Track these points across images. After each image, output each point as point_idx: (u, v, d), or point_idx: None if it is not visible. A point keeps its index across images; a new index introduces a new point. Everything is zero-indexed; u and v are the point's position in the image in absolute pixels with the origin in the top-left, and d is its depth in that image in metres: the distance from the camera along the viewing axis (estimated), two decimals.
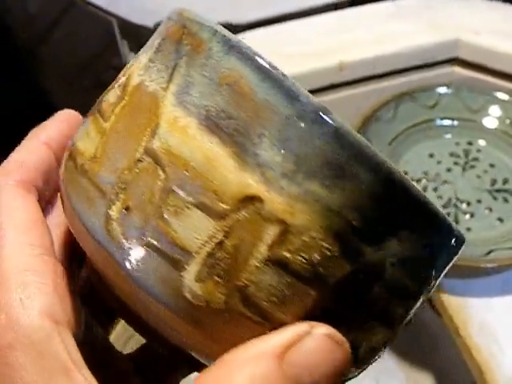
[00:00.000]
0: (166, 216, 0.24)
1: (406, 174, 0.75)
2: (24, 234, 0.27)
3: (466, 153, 0.77)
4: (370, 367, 0.67)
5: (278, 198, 0.24)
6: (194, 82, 0.25)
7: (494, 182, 0.74)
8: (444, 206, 0.72)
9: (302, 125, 0.24)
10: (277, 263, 0.24)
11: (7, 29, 1.54)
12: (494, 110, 0.78)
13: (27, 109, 1.59)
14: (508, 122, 0.78)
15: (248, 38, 0.82)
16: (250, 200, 0.24)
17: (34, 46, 1.54)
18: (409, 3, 0.88)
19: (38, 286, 0.26)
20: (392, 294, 0.26)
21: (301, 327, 0.24)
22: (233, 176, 0.24)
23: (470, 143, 0.78)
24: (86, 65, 1.50)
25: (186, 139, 0.25)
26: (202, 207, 0.24)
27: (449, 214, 0.71)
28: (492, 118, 0.78)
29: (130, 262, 0.25)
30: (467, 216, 0.71)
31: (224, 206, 0.24)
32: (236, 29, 0.83)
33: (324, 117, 0.24)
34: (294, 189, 0.24)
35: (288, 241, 0.24)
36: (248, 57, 0.25)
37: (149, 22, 0.80)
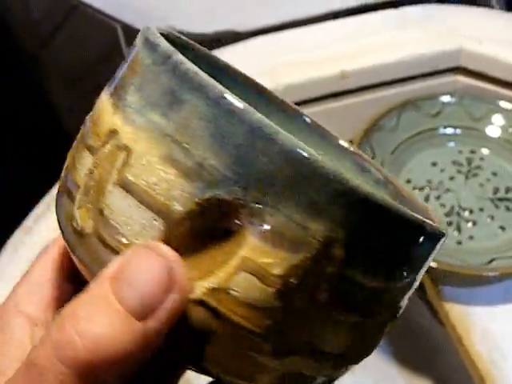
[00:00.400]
0: (76, 162, 0.29)
1: (409, 182, 0.75)
2: None
3: (469, 161, 0.77)
4: (371, 374, 0.67)
5: (128, 129, 0.27)
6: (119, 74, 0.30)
7: (496, 190, 0.75)
8: (447, 214, 0.72)
9: (154, 68, 0.27)
10: (123, 186, 0.26)
11: (10, 33, 1.55)
12: (497, 119, 0.78)
13: (29, 112, 1.60)
14: (511, 130, 0.78)
15: (250, 46, 0.83)
16: (112, 134, 0.27)
17: (37, 50, 1.55)
18: (411, 12, 0.88)
19: None
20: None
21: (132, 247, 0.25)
22: (108, 118, 0.28)
23: (472, 152, 0.78)
24: (88, 69, 1.50)
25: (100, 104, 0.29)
26: (88, 147, 0.28)
27: (451, 223, 0.72)
28: (495, 127, 0.78)
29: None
30: (469, 224, 0.72)
31: (98, 143, 0.28)
32: (239, 36, 0.83)
33: (169, 58, 0.27)
34: (140, 120, 0.26)
35: (131, 165, 0.26)
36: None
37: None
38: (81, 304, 0.24)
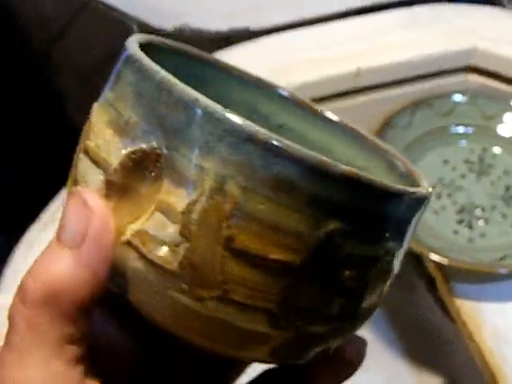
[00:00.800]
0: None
1: None
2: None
3: (481, 159, 0.78)
4: (383, 370, 0.68)
5: (95, 107, 0.31)
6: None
7: (507, 188, 0.75)
8: (458, 212, 0.73)
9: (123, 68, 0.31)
10: (85, 152, 0.31)
11: (20, 30, 1.56)
12: (509, 118, 0.79)
13: (38, 109, 1.61)
14: None
15: (265, 44, 0.83)
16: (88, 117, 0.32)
17: (48, 47, 1.56)
18: (425, 11, 0.89)
19: None
20: None
21: None
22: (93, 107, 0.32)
23: (484, 150, 0.79)
24: (98, 66, 1.51)
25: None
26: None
27: (463, 220, 0.72)
28: (507, 126, 0.79)
29: None
30: (481, 222, 0.72)
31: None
32: (253, 34, 0.84)
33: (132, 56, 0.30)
34: (101, 99, 0.31)
35: (90, 133, 0.30)
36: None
37: (167, 26, 0.81)
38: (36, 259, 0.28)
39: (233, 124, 0.26)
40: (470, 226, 0.72)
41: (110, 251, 0.28)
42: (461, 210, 0.73)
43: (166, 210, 0.27)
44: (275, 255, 0.27)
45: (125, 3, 0.84)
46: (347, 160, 0.38)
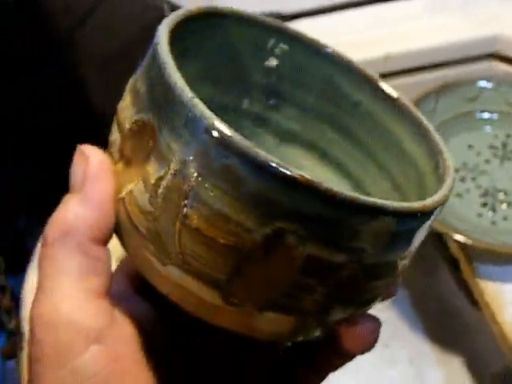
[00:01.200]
0: None
1: None
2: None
3: (504, 145, 0.79)
4: (405, 349, 0.70)
5: None
6: None
7: None
8: (482, 195, 0.74)
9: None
10: (115, 114, 0.34)
11: (44, 14, 1.56)
12: None
13: (62, 94, 1.62)
14: None
15: (296, 28, 0.84)
16: None
17: (71, 32, 1.56)
18: None
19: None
20: None
21: None
22: None
23: (508, 136, 0.80)
24: (121, 51, 1.52)
25: None
26: None
27: (486, 204, 0.74)
28: None
29: None
30: (504, 205, 0.74)
31: None
32: (283, 18, 0.85)
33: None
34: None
35: (122, 98, 0.33)
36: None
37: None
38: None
39: (196, 113, 0.28)
40: (494, 209, 0.73)
41: (109, 185, 0.32)
42: (484, 194, 0.75)
43: (145, 180, 0.30)
44: (223, 240, 0.29)
45: None
46: (397, 139, 0.39)
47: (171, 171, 0.29)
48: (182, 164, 0.29)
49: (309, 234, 0.28)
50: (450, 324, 0.84)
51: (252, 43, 0.40)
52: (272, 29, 0.40)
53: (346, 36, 0.83)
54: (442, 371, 0.79)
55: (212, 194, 0.28)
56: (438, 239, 0.80)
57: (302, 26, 0.85)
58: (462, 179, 0.76)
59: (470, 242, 0.67)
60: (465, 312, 0.83)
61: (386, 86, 0.40)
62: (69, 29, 1.54)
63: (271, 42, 0.40)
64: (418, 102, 0.79)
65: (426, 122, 0.38)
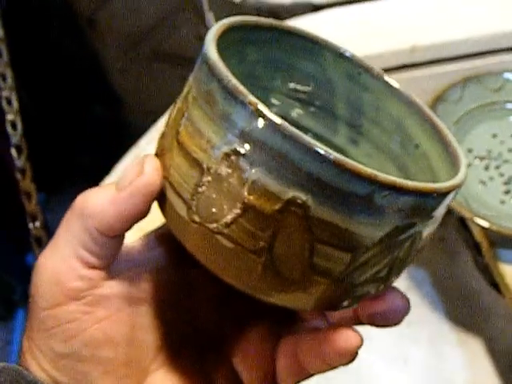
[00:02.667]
0: None
1: (470, 151, 0.80)
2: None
3: None
4: (425, 328, 0.73)
5: None
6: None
7: None
8: (505, 183, 0.77)
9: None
10: None
11: None
12: None
13: (83, 72, 1.64)
14: None
15: (326, 17, 0.87)
16: None
17: (95, 11, 1.58)
18: None
19: None
20: None
21: None
22: None
23: None
24: (143, 33, 1.54)
25: None
26: None
27: (509, 191, 0.76)
28: None
29: None
30: None
31: None
32: (315, 7, 0.88)
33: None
34: None
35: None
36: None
37: None
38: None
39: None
40: None
41: (143, 204, 0.35)
42: (508, 182, 0.77)
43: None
44: (195, 154, 0.33)
45: None
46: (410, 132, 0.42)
47: (181, 98, 0.36)
48: (187, 92, 0.35)
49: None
50: (470, 306, 0.86)
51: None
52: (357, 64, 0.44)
53: (375, 25, 0.85)
54: (462, 351, 0.82)
55: (196, 112, 0.34)
56: (460, 223, 0.83)
57: (332, 15, 0.87)
58: (486, 167, 0.79)
59: (493, 227, 0.70)
60: (485, 294, 0.86)
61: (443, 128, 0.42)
62: (92, 9, 1.56)
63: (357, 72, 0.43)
64: (443, 92, 0.81)
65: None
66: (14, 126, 0.65)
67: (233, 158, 0.32)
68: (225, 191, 0.32)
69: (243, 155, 0.32)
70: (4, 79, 0.64)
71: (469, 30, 0.86)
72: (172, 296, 0.40)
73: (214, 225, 0.33)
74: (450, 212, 0.76)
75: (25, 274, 1.55)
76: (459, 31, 0.86)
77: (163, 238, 0.41)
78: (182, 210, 0.34)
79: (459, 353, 0.82)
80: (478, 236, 0.76)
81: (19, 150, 0.64)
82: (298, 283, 0.33)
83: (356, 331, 0.36)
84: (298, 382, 0.39)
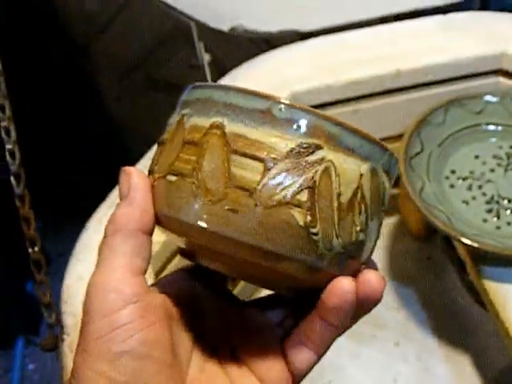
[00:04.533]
0: None
1: (453, 172, 0.82)
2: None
3: (508, 156, 0.84)
4: (414, 345, 0.75)
5: None
6: None
7: None
8: (487, 202, 0.80)
9: None
10: None
11: (64, 25, 1.60)
12: None
13: (78, 101, 1.67)
14: None
15: (312, 45, 0.90)
16: None
17: (89, 41, 1.60)
18: (458, 18, 0.95)
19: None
20: None
21: None
22: None
23: (511, 147, 0.85)
24: (139, 61, 1.56)
25: None
26: None
27: (491, 210, 0.79)
28: None
29: None
30: (508, 212, 0.79)
31: None
32: (301, 36, 0.90)
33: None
34: None
35: None
36: None
37: (224, 27, 0.88)
38: None
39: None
40: (498, 216, 0.78)
41: (147, 192, 0.41)
42: (489, 201, 0.80)
43: None
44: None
45: (182, 4, 0.91)
46: None
47: None
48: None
49: None
50: (458, 323, 0.89)
51: None
52: None
53: (360, 53, 0.88)
54: (450, 367, 0.84)
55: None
56: (445, 243, 0.85)
57: (319, 43, 0.90)
58: (469, 187, 0.81)
59: (476, 245, 0.72)
60: (471, 311, 0.88)
61: None
62: (87, 39, 1.59)
63: None
64: (426, 115, 0.84)
65: None
66: (12, 155, 0.67)
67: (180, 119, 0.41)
68: (170, 141, 0.41)
69: (185, 114, 0.41)
70: (3, 110, 0.67)
71: (451, 55, 0.88)
72: (189, 310, 0.44)
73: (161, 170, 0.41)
74: (435, 231, 0.79)
75: (25, 301, 1.56)
76: (442, 56, 0.88)
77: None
78: None
79: (447, 369, 0.84)
80: (463, 254, 0.78)
81: (18, 178, 0.67)
82: (224, 198, 0.38)
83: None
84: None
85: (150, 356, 0.39)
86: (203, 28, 0.90)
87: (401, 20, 0.95)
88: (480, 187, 0.81)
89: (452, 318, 0.89)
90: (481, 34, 0.91)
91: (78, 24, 1.61)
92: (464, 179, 0.82)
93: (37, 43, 1.59)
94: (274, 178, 0.37)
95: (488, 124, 0.86)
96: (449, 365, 0.85)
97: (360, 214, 0.39)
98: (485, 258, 0.75)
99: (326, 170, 0.37)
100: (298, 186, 0.37)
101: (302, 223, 0.37)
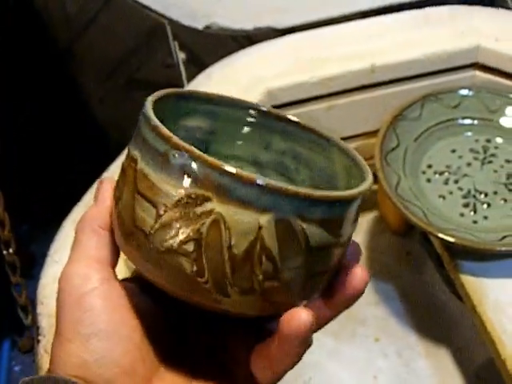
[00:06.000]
0: None
1: (430, 167, 0.82)
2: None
3: (485, 149, 0.84)
4: (394, 342, 0.75)
5: None
6: None
7: (509, 176, 0.81)
8: (464, 197, 0.79)
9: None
10: None
11: (45, 27, 1.60)
12: (511, 111, 0.85)
13: (62, 104, 1.66)
14: None
15: (288, 41, 0.90)
16: None
17: (71, 42, 1.60)
18: (434, 12, 0.94)
19: None
20: None
21: None
22: None
23: (488, 141, 0.85)
24: (120, 60, 1.56)
25: None
26: None
27: (468, 204, 0.79)
28: (509, 118, 0.85)
29: None
30: (485, 206, 0.79)
31: None
32: (277, 33, 0.90)
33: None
34: None
35: None
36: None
37: (198, 24, 0.87)
38: None
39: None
40: (475, 210, 0.78)
41: (107, 199, 0.43)
42: (466, 195, 0.80)
43: None
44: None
45: (156, 2, 0.90)
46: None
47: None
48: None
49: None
50: (438, 317, 0.89)
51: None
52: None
53: (335, 49, 0.87)
54: (430, 363, 0.84)
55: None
56: (424, 238, 0.85)
57: (294, 40, 0.90)
58: (446, 182, 0.81)
59: (452, 240, 0.72)
60: (451, 306, 0.88)
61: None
62: (69, 39, 1.58)
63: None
64: (403, 110, 0.84)
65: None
66: None
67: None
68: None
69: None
70: None
71: (426, 50, 0.88)
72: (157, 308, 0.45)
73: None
74: (413, 226, 0.79)
75: (9, 304, 1.56)
76: (417, 51, 0.88)
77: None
78: None
79: (427, 364, 0.84)
80: (440, 249, 0.78)
81: None
82: (131, 234, 0.39)
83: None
84: None
85: (117, 335, 0.41)
86: (178, 27, 0.90)
87: (379, 15, 0.95)
88: (456, 181, 0.81)
89: (432, 312, 0.89)
90: (456, 28, 0.91)
91: (60, 25, 1.60)
92: (440, 174, 0.82)
93: (17, 48, 1.58)
94: (163, 225, 0.37)
95: (464, 118, 0.86)
96: (429, 360, 0.85)
97: (261, 264, 0.37)
98: (462, 253, 0.75)
99: (215, 223, 0.37)
100: (185, 236, 0.37)
101: (189, 272, 0.37)
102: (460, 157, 0.84)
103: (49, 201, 1.72)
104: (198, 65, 1.08)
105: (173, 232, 0.37)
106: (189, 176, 0.36)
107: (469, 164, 0.83)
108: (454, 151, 0.84)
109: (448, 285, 0.82)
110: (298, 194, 0.36)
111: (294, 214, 0.37)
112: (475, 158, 0.83)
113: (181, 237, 0.37)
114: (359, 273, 0.41)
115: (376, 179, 0.92)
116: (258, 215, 0.36)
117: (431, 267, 0.89)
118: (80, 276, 0.42)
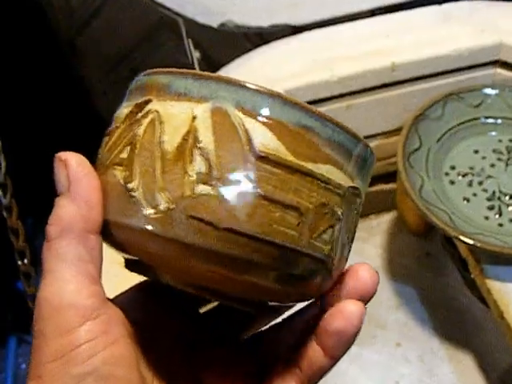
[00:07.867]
0: None
1: (453, 168, 0.80)
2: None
3: (509, 149, 0.82)
4: (416, 347, 0.72)
5: None
6: None
7: None
8: (489, 199, 0.78)
9: None
10: None
11: (48, 20, 1.59)
12: None
13: (64, 96, 1.64)
14: None
15: (306, 39, 0.88)
16: None
17: (75, 35, 1.59)
18: (455, 8, 0.92)
19: None
20: None
21: None
22: None
23: (511, 140, 0.83)
24: (123, 55, 1.54)
25: None
26: None
27: (493, 207, 0.77)
28: None
29: None
30: (510, 208, 0.77)
31: None
32: (294, 30, 0.88)
33: None
34: None
35: None
36: None
37: (213, 23, 0.86)
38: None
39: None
40: (500, 212, 0.76)
41: (91, 181, 0.36)
42: (491, 198, 0.78)
43: None
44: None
45: (173, 1, 0.88)
46: None
47: None
48: None
49: None
50: (460, 321, 0.87)
51: None
52: None
53: (355, 46, 0.86)
54: (453, 367, 0.83)
55: None
56: (445, 239, 0.83)
57: (312, 37, 0.88)
58: (470, 183, 0.79)
59: (477, 244, 0.70)
60: (474, 310, 0.86)
61: None
62: (72, 32, 1.57)
63: None
64: (424, 110, 0.82)
65: None
66: None
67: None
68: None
69: None
70: None
71: (447, 47, 0.86)
72: (149, 329, 0.41)
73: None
74: (434, 227, 0.77)
75: (15, 300, 1.55)
76: (438, 48, 0.86)
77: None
78: None
79: (450, 369, 0.82)
80: (464, 252, 0.76)
81: (4, 188, 0.65)
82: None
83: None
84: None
85: (114, 376, 0.35)
86: (192, 24, 0.88)
87: (394, 12, 0.93)
88: (481, 183, 0.79)
89: (454, 315, 0.87)
90: (478, 24, 0.89)
91: (63, 19, 1.59)
92: (464, 175, 0.80)
93: (21, 41, 1.56)
94: (109, 142, 0.37)
95: (487, 117, 0.84)
96: (452, 365, 0.83)
97: (194, 161, 0.33)
98: (487, 257, 0.73)
99: (151, 122, 0.34)
100: (122, 145, 0.35)
101: (121, 180, 0.35)
102: (483, 158, 0.82)
103: (53, 194, 1.71)
104: (211, 63, 1.06)
105: (116, 146, 0.36)
106: (136, 91, 0.36)
107: (492, 165, 0.81)
108: (477, 152, 0.82)
109: (472, 289, 0.81)
110: (237, 82, 0.34)
111: (231, 104, 0.33)
112: (499, 159, 0.82)
113: (120, 147, 0.35)
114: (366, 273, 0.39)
115: (393, 178, 0.90)
116: (193, 105, 0.34)
117: (452, 269, 0.87)
118: (67, 304, 0.35)
